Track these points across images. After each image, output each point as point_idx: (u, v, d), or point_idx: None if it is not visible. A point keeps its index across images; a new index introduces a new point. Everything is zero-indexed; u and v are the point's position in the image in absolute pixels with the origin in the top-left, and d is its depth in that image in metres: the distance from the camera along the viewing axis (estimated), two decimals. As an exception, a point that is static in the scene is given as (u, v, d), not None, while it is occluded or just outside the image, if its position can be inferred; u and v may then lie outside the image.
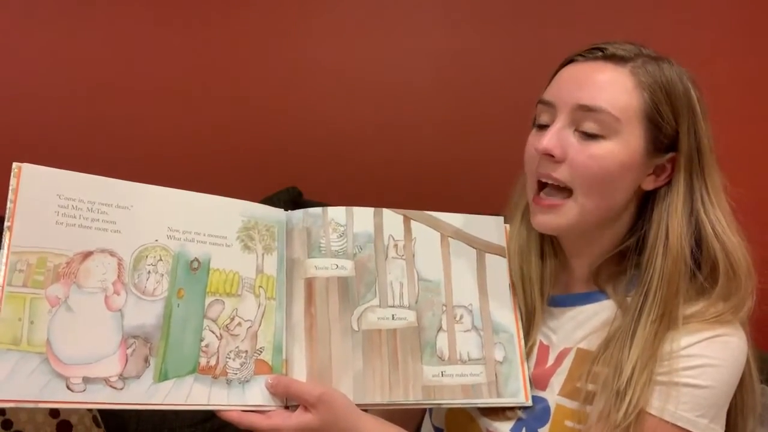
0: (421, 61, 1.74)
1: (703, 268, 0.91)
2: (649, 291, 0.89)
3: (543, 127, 0.94)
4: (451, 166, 1.71)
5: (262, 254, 0.93)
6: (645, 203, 0.95)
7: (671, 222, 0.90)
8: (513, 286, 1.00)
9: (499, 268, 1.01)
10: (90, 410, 1.38)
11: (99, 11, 1.73)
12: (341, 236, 0.96)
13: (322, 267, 0.94)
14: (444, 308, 0.97)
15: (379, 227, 0.97)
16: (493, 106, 1.67)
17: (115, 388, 0.80)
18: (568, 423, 0.91)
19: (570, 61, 0.95)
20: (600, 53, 0.92)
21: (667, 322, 0.88)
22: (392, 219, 0.98)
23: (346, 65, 1.75)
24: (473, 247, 1.00)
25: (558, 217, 0.92)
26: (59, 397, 0.78)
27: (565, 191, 0.92)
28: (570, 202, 0.91)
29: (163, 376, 0.83)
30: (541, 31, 1.68)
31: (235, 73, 1.75)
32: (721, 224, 0.90)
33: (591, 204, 0.91)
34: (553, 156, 0.90)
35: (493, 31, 1.72)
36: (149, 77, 1.75)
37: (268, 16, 1.74)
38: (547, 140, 0.90)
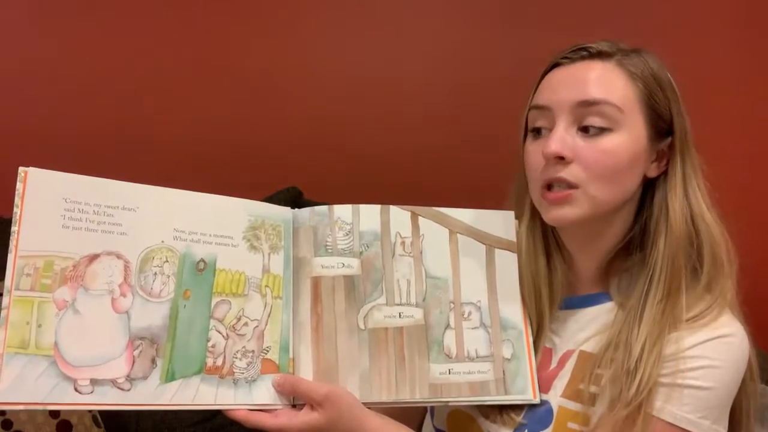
0: (421, 60, 1.72)
1: (694, 247, 0.92)
2: (654, 273, 0.90)
3: (539, 133, 0.93)
4: (452, 165, 1.70)
5: (269, 253, 0.93)
6: (645, 191, 0.95)
7: (672, 203, 0.91)
8: (522, 282, 0.99)
9: (508, 264, 1.00)
10: (90, 410, 1.40)
11: (102, 12, 1.73)
12: (347, 234, 0.95)
13: (328, 266, 0.94)
14: (452, 305, 0.96)
15: (386, 224, 0.97)
16: (494, 104, 1.64)
17: (122, 389, 0.82)
18: (571, 425, 0.90)
19: (555, 65, 0.95)
20: (585, 52, 0.93)
21: (674, 300, 0.88)
22: (399, 216, 0.98)
23: (346, 64, 1.74)
24: (482, 243, 1.00)
25: (571, 208, 0.91)
26: (67, 399, 0.79)
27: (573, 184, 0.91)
28: (578, 192, 0.91)
29: (170, 376, 0.84)
30: (541, 28, 1.66)
31: (235, 73, 1.75)
32: (700, 203, 0.92)
33: (602, 195, 0.91)
34: (563, 158, 0.89)
35: (492, 28, 1.70)
36: (150, 77, 1.75)
37: (269, 16, 1.73)
38: (554, 143, 0.89)
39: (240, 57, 1.75)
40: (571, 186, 0.90)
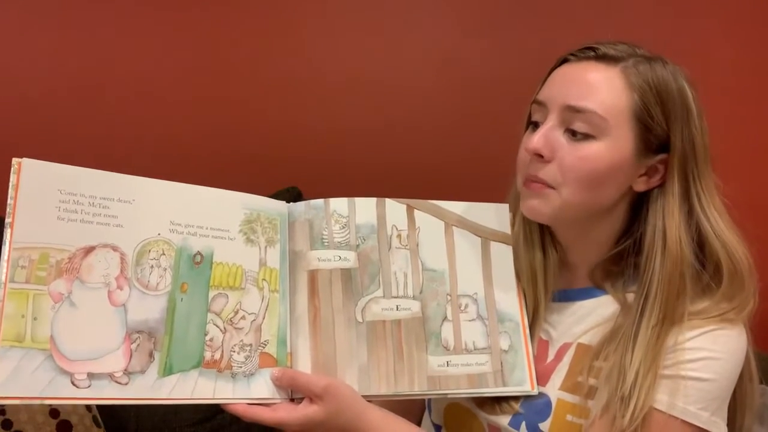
0: (420, 61, 1.73)
1: (707, 268, 0.90)
2: (649, 293, 0.89)
3: (536, 127, 0.94)
4: (452, 165, 1.71)
5: (265, 247, 0.93)
6: (639, 205, 0.94)
7: (668, 224, 0.89)
8: (518, 274, 1.00)
9: (504, 256, 1.00)
10: (90, 410, 1.37)
11: (103, 10, 1.71)
12: (344, 227, 0.95)
13: (325, 259, 0.94)
14: (449, 298, 0.96)
15: (382, 217, 0.97)
16: (493, 106, 1.65)
17: (119, 383, 0.80)
18: (570, 417, 0.91)
19: (564, 61, 0.95)
20: (592, 53, 0.92)
21: (670, 323, 0.87)
22: (395, 209, 0.98)
23: (346, 66, 1.73)
24: (478, 236, 1.00)
25: (543, 202, 0.91)
26: (64, 393, 0.77)
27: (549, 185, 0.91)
28: (553, 192, 0.91)
29: (167, 370, 0.83)
30: (542, 29, 1.67)
31: (235, 73, 1.74)
32: (719, 224, 0.89)
33: (575, 199, 0.90)
34: (542, 156, 0.90)
35: (492, 30, 1.70)
36: (150, 77, 1.73)
37: (268, 17, 1.72)
38: (536, 140, 0.90)
39: (240, 57, 1.74)
40: (547, 185, 0.91)
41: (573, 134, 0.89)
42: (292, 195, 1.64)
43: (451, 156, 1.71)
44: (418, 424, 1.07)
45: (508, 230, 1.01)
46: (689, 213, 0.90)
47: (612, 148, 0.88)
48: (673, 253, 0.88)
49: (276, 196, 1.59)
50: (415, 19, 1.72)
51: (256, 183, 1.52)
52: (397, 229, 0.97)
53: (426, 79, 1.72)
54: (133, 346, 0.82)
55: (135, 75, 1.73)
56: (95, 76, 1.73)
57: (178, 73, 1.74)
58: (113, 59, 1.72)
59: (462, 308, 0.96)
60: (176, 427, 1.41)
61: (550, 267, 0.99)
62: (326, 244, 0.94)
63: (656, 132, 0.89)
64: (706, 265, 0.90)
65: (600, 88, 0.89)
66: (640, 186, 0.92)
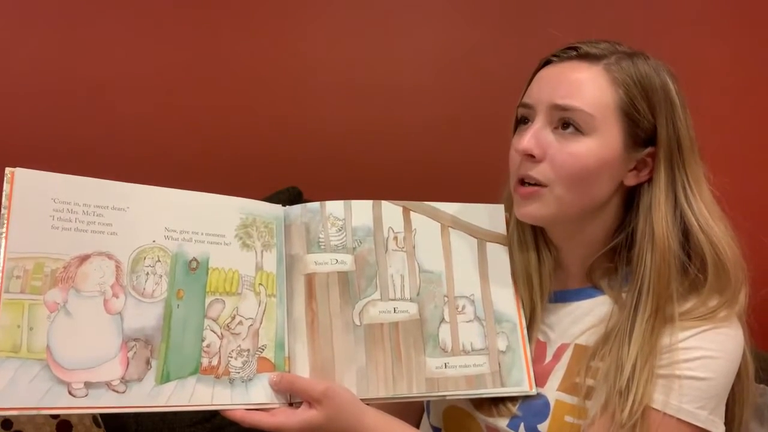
0: (420, 61, 1.72)
1: (693, 261, 0.90)
2: (642, 287, 0.89)
3: (524, 129, 0.94)
4: (451, 166, 1.70)
5: (261, 251, 0.92)
6: (632, 199, 0.94)
7: (655, 216, 0.90)
8: (514, 275, 0.99)
9: (500, 257, 1.00)
10: (88, 412, 1.38)
11: (99, 11, 1.71)
12: (340, 230, 0.95)
13: (321, 262, 0.93)
14: (446, 299, 0.96)
15: (378, 220, 0.97)
16: (493, 106, 1.63)
17: (117, 391, 0.80)
18: (568, 418, 0.90)
19: (546, 62, 0.95)
20: (574, 52, 0.93)
21: (663, 316, 0.88)
22: (391, 211, 0.98)
23: (346, 65, 1.73)
24: (474, 237, 1.00)
25: (538, 206, 0.92)
26: (61, 403, 0.77)
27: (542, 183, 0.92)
28: (546, 191, 0.91)
29: (165, 377, 0.83)
30: (540, 29, 1.66)
31: (235, 73, 1.73)
32: (704, 215, 0.90)
33: (569, 197, 0.91)
34: (533, 156, 0.90)
35: (491, 30, 1.70)
36: (148, 77, 1.73)
37: (268, 17, 1.72)
38: (527, 141, 0.90)
39: (240, 57, 1.73)
40: (539, 184, 0.91)
41: (562, 132, 0.90)
42: (292, 195, 1.63)
43: (451, 156, 1.71)
44: (417, 426, 1.07)
45: (503, 231, 1.01)
46: (675, 205, 0.90)
47: (601, 143, 0.89)
48: (660, 246, 0.89)
49: (276, 195, 1.61)
50: (415, 20, 1.72)
51: (256, 183, 1.53)
52: (393, 231, 0.97)
53: (426, 79, 1.72)
54: (130, 354, 0.82)
55: (133, 76, 1.72)
56: (93, 76, 1.72)
57: (178, 73, 1.73)
58: (111, 60, 1.72)
59: (459, 310, 0.96)
60: (176, 427, 1.42)
61: (545, 268, 0.99)
62: (323, 247, 0.94)
63: (643, 125, 0.90)
64: (692, 258, 0.90)
65: (585, 86, 0.90)
66: (631, 180, 0.93)
